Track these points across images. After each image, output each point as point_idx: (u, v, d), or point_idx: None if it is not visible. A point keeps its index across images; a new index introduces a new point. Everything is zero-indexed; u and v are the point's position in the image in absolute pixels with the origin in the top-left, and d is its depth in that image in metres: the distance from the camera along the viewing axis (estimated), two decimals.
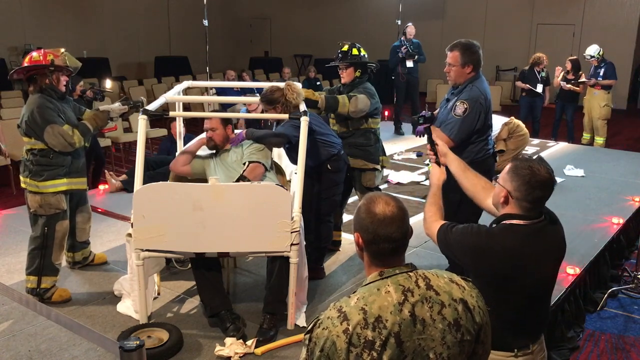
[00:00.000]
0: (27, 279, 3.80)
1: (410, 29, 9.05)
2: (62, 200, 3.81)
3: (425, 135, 2.79)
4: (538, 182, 2.05)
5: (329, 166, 3.96)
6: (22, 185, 3.81)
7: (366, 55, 4.26)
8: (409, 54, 8.98)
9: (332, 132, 4.11)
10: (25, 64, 3.73)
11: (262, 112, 4.26)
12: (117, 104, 4.06)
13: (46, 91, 3.73)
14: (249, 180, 3.58)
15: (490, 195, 2.37)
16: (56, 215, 3.78)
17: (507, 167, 2.15)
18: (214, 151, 3.97)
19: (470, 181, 2.53)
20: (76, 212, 4.10)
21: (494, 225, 2.16)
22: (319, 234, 4.02)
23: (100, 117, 3.95)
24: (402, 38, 9.14)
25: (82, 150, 4.00)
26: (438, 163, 2.64)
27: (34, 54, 3.76)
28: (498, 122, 6.23)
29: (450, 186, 2.95)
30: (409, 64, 9.07)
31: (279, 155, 4.34)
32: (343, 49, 4.23)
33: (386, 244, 1.54)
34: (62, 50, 3.82)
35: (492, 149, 3.74)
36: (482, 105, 3.55)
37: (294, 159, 4.11)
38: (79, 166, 3.95)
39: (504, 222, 2.13)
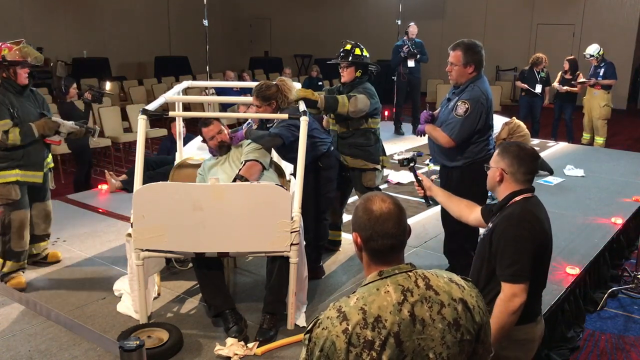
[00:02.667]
0: None
1: (413, 29, 9.05)
2: (12, 191, 3.90)
3: (412, 174, 3.06)
4: (527, 154, 2.35)
5: (320, 163, 3.95)
6: None
7: (368, 57, 4.26)
8: (411, 53, 8.99)
9: (322, 129, 4.11)
10: None
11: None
12: (71, 123, 4.19)
13: (3, 85, 3.83)
14: (245, 179, 3.57)
15: (472, 210, 2.69)
16: (10, 205, 3.91)
17: (496, 151, 2.43)
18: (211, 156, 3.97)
19: (455, 204, 2.80)
20: (32, 206, 4.14)
21: (507, 207, 2.33)
22: (317, 232, 4.01)
23: (49, 125, 4.01)
24: (404, 37, 9.15)
25: (44, 147, 4.06)
26: (426, 197, 2.97)
27: None
28: (499, 121, 6.23)
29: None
30: (411, 63, 9.08)
31: (279, 156, 4.33)
32: (346, 48, 4.20)
33: (384, 240, 1.55)
34: (21, 44, 3.88)
35: (492, 148, 3.74)
36: (483, 105, 3.55)
37: (284, 157, 4.11)
38: (36, 160, 4.00)
39: (514, 200, 2.33)
